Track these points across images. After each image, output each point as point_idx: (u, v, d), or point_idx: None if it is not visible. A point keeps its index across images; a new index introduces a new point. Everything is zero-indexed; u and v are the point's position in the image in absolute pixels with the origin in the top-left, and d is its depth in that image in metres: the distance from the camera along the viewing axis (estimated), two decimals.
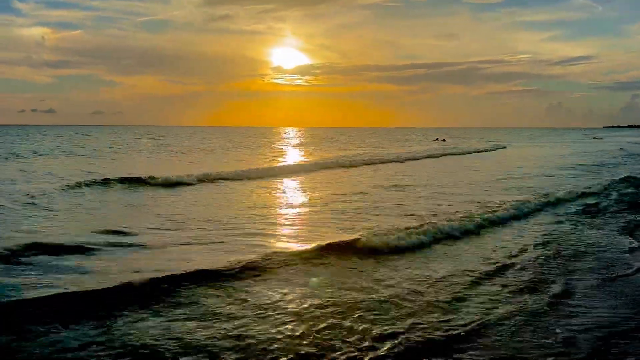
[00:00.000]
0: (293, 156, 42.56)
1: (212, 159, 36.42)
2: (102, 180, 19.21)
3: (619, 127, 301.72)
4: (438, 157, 40.69)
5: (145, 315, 6.19)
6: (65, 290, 6.82)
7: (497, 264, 8.64)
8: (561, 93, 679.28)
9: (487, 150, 51.60)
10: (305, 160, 36.95)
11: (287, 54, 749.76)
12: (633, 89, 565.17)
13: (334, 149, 51.36)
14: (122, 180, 19.48)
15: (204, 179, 21.00)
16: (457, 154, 44.73)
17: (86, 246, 9.32)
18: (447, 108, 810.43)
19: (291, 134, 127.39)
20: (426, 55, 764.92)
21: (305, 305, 6.55)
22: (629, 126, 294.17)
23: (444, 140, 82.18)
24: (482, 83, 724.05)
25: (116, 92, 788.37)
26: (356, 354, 5.30)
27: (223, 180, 21.26)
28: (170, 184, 19.52)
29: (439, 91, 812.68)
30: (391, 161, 34.65)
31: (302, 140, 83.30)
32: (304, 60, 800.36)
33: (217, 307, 6.47)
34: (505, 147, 57.28)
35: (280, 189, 20.25)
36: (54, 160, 32.94)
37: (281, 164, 32.94)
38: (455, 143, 68.63)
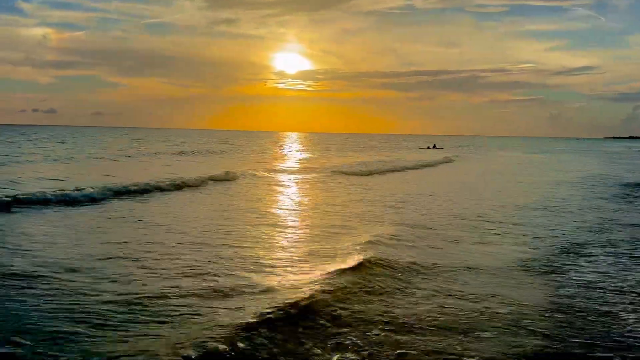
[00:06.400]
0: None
1: None
2: None
3: (620, 138, 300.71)
4: None
5: None
6: None
7: None
8: (562, 103, 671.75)
9: None
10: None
11: (290, 59, 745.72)
12: (634, 100, 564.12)
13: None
14: None
15: None
16: None
17: None
18: (448, 115, 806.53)
19: (294, 140, 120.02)
20: (428, 63, 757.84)
21: None
22: (630, 137, 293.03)
23: (434, 147, 76.44)
24: (484, 91, 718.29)
25: (118, 93, 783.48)
26: None
27: None
28: None
29: (441, 98, 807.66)
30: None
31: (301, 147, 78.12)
32: (307, 65, 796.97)
33: None
34: None
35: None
36: None
37: None
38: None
